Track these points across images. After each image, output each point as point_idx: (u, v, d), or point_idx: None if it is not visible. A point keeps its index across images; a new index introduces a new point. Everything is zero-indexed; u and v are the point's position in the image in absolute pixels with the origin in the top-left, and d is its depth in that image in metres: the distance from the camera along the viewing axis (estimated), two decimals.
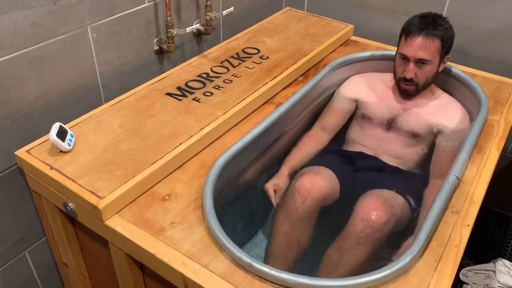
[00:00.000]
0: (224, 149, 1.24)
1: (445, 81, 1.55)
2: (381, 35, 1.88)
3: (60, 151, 1.15)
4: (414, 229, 1.25)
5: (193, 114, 1.31)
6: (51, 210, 1.20)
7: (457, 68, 1.56)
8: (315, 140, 1.53)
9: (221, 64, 1.55)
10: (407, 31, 1.35)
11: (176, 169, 1.19)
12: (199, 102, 1.36)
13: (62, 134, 1.14)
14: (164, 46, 1.54)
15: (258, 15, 1.92)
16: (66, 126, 1.20)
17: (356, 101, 1.53)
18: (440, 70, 1.41)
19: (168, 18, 1.45)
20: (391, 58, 1.50)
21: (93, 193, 1.04)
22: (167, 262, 0.95)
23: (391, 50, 1.65)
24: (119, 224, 1.03)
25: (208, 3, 1.57)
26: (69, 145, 1.15)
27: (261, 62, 1.57)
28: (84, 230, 1.18)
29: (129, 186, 1.07)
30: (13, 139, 1.21)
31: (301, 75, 1.61)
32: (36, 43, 1.18)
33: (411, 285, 0.93)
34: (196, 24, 1.65)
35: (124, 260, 1.07)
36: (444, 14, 1.69)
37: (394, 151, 1.46)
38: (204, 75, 1.49)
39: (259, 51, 1.65)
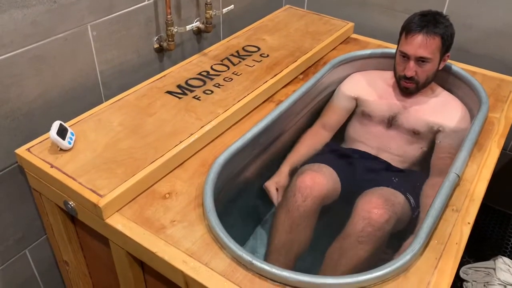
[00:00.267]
0: (225, 147, 1.23)
1: (445, 79, 1.55)
2: (381, 33, 1.88)
3: (61, 149, 1.15)
4: (414, 227, 1.25)
5: (194, 112, 1.31)
6: (52, 209, 1.20)
7: (458, 66, 1.56)
8: (316, 138, 1.53)
9: (221, 62, 1.55)
10: (408, 29, 1.35)
11: (177, 167, 1.19)
12: (199, 100, 1.36)
13: (62, 132, 1.14)
14: (164, 44, 1.54)
15: (258, 13, 1.92)
16: (66, 125, 1.20)
17: (356, 99, 1.53)
18: (440, 68, 1.40)
19: (168, 16, 1.45)
20: (391, 56, 1.50)
21: (93, 191, 1.04)
22: (167, 260, 0.95)
23: (391, 48, 1.64)
24: (119, 222, 1.03)
25: (208, 1, 1.57)
26: (70, 143, 1.15)
27: (261, 60, 1.57)
28: (85, 228, 1.18)
29: (130, 185, 1.07)
30: (13, 138, 1.21)
31: (301, 73, 1.61)
32: (36, 42, 1.17)
33: (411, 283, 0.94)
34: (196, 22, 1.65)
35: (124, 258, 1.07)
36: (444, 12, 1.69)
37: (395, 149, 1.46)
38: (204, 73, 1.49)
39: (259, 49, 1.64)
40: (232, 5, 1.63)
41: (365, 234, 1.16)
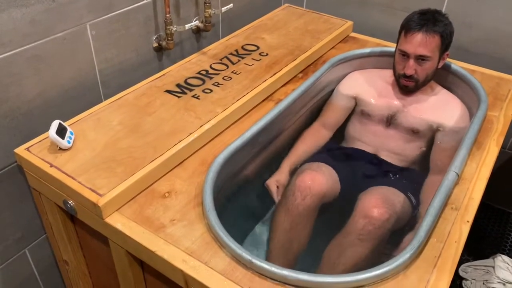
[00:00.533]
0: (224, 146, 1.24)
1: (444, 78, 1.55)
2: (381, 31, 1.88)
3: (60, 148, 1.15)
4: (414, 226, 1.25)
5: (193, 111, 1.31)
6: (51, 208, 1.20)
7: (457, 65, 1.56)
8: (316, 137, 1.53)
9: (220, 61, 1.55)
10: (407, 28, 1.35)
11: (176, 166, 1.19)
12: (199, 99, 1.36)
13: (61, 131, 1.14)
14: (163, 43, 1.54)
15: (257, 11, 1.92)
16: (65, 124, 1.20)
17: (355, 98, 1.53)
18: (439, 66, 1.41)
19: (167, 15, 1.45)
20: (391, 55, 1.50)
21: (93, 190, 1.04)
22: (167, 259, 0.95)
23: (391, 47, 1.64)
24: (119, 221, 1.03)
25: None
26: (69, 142, 1.15)
27: (260, 59, 1.57)
28: (84, 227, 1.18)
29: (129, 184, 1.07)
30: (13, 137, 1.21)
31: (300, 72, 1.61)
32: (35, 41, 1.17)
33: (411, 281, 0.94)
34: (195, 21, 1.64)
35: (124, 258, 1.07)
36: (443, 10, 1.69)
37: (394, 148, 1.46)
38: (204, 72, 1.49)
39: (258, 48, 1.64)
40: (231, 4, 1.63)
41: (365, 232, 1.16)
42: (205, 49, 1.62)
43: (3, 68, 1.12)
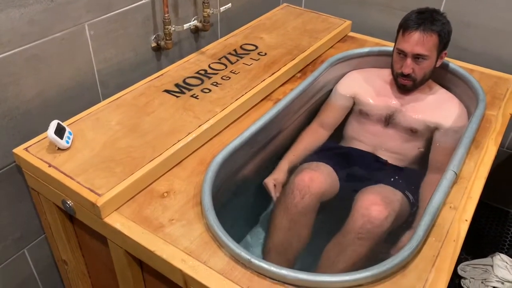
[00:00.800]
0: (223, 145, 1.24)
1: (443, 77, 1.56)
2: (379, 31, 1.88)
3: (58, 148, 1.15)
4: (412, 225, 1.25)
5: (191, 111, 1.31)
6: (50, 208, 1.20)
7: (455, 64, 1.56)
8: (314, 136, 1.53)
9: (219, 61, 1.55)
10: (405, 27, 1.35)
11: (175, 166, 1.19)
12: (197, 99, 1.36)
13: (60, 131, 1.14)
14: (162, 43, 1.54)
15: (255, 11, 1.92)
16: (64, 124, 1.20)
17: (353, 98, 1.53)
18: (437, 65, 1.41)
19: (166, 15, 1.45)
20: (389, 54, 1.50)
21: (91, 190, 1.04)
22: (166, 259, 0.96)
23: (389, 46, 1.64)
24: (118, 221, 1.03)
25: None
26: (67, 142, 1.15)
27: (259, 59, 1.57)
28: (83, 227, 1.18)
29: (128, 183, 1.07)
30: (11, 137, 1.21)
31: (299, 72, 1.61)
32: (33, 41, 1.17)
33: (409, 280, 0.94)
34: (193, 20, 1.64)
35: (123, 257, 1.07)
36: (441, 9, 1.69)
37: (392, 147, 1.46)
38: (202, 72, 1.49)
39: (257, 47, 1.64)
40: (230, 4, 1.63)
41: (364, 231, 1.16)
42: (203, 49, 1.62)
43: (2, 68, 1.12)
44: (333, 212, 1.34)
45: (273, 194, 1.36)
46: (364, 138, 1.50)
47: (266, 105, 1.44)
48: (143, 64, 1.53)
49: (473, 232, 1.62)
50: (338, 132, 1.58)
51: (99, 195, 1.03)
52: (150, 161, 1.13)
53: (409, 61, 1.35)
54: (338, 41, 1.80)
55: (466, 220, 1.08)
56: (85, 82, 1.36)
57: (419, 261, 0.98)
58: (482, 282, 1.66)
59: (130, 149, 1.17)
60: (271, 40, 1.69)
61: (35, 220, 1.34)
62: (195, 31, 1.69)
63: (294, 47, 1.65)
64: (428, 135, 1.44)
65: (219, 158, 1.17)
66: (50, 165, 1.11)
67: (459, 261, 1.71)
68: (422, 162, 1.45)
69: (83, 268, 1.34)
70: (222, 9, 1.61)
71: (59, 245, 1.29)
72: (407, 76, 1.38)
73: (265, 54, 1.60)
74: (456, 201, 1.13)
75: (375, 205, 1.18)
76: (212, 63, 1.54)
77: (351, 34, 1.86)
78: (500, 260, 1.70)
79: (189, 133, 1.23)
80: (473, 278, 1.68)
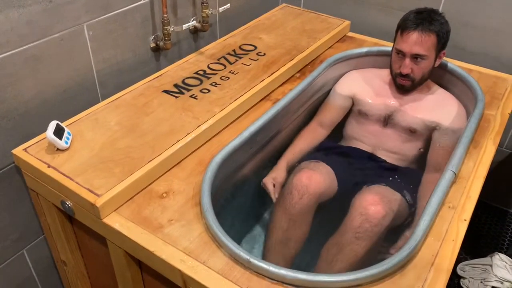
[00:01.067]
0: (222, 146, 1.24)
1: (441, 77, 1.56)
2: (378, 31, 1.88)
3: (58, 149, 1.15)
4: (411, 224, 1.25)
5: (190, 111, 1.31)
6: (49, 208, 1.20)
7: (454, 64, 1.56)
8: (313, 136, 1.53)
9: (218, 61, 1.55)
10: (403, 27, 1.36)
11: (174, 166, 1.19)
12: (196, 99, 1.36)
13: (59, 132, 1.14)
14: (161, 44, 1.54)
15: (254, 11, 1.92)
16: (63, 124, 1.20)
17: (352, 98, 1.54)
18: (436, 65, 1.41)
19: (164, 15, 1.45)
20: (388, 54, 1.50)
21: (90, 191, 1.04)
22: (165, 259, 0.96)
23: (388, 46, 1.65)
24: (117, 221, 1.03)
25: None
26: (66, 143, 1.15)
27: (258, 59, 1.57)
28: (82, 228, 1.18)
29: (127, 184, 1.07)
30: (10, 138, 1.21)
31: (298, 72, 1.61)
32: (32, 41, 1.17)
33: (408, 280, 0.94)
34: (192, 21, 1.64)
35: (122, 258, 1.07)
36: (440, 9, 1.69)
37: (391, 147, 1.46)
38: (201, 72, 1.49)
39: (256, 47, 1.65)
40: (229, 4, 1.63)
41: (362, 230, 1.16)
42: (202, 49, 1.62)
43: (0, 69, 1.12)
44: (331, 211, 1.34)
45: (272, 194, 1.36)
46: (363, 138, 1.50)
47: (265, 105, 1.44)
48: (142, 65, 1.53)
49: (472, 232, 1.63)
50: (338, 131, 1.58)
51: (98, 195, 1.03)
52: (149, 162, 1.13)
53: (407, 61, 1.35)
54: (337, 41, 1.80)
55: (465, 220, 1.08)
56: (84, 82, 1.36)
57: (418, 261, 0.98)
58: (481, 282, 1.66)
59: (129, 149, 1.17)
60: (270, 40, 1.69)
61: (34, 221, 1.34)
62: (194, 31, 1.69)
63: (293, 47, 1.65)
64: (427, 135, 1.44)
65: (218, 158, 1.17)
66: (49, 166, 1.11)
67: (458, 260, 1.71)
68: (421, 162, 1.45)
69: (82, 268, 1.34)
70: (221, 9, 1.61)
71: (58, 245, 1.29)
72: (405, 76, 1.38)
73: (264, 54, 1.60)
74: (455, 200, 1.13)
75: (373, 204, 1.18)
76: (211, 63, 1.54)
77: (350, 34, 1.86)
78: (499, 259, 1.70)
79: (188, 134, 1.23)
80: (472, 278, 1.69)
